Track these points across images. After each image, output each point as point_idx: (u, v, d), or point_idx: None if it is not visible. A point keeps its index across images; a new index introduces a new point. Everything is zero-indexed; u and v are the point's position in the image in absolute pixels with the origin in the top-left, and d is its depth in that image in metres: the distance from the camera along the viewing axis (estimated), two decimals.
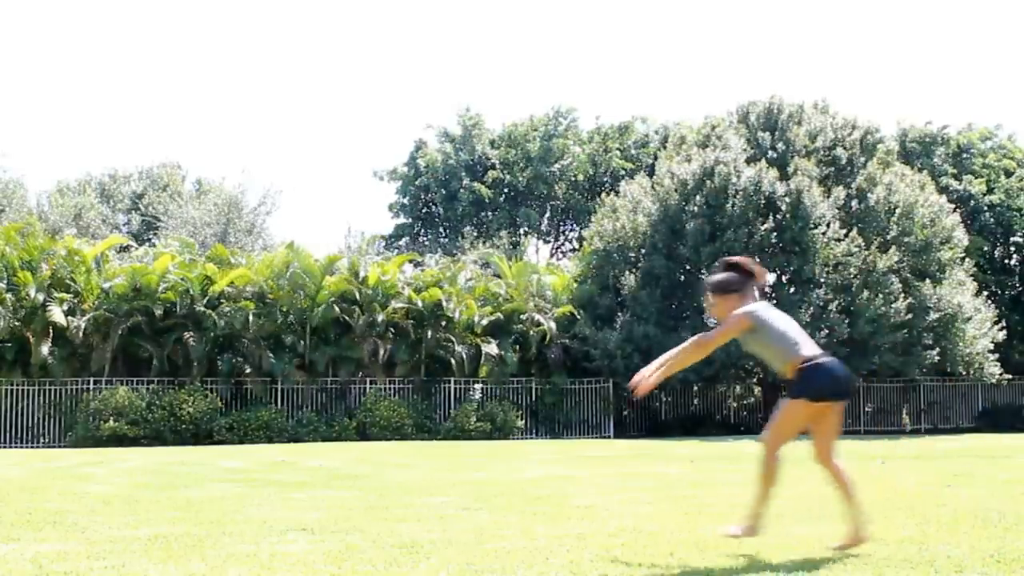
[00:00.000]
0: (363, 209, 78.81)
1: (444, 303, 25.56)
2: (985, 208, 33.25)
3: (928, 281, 25.69)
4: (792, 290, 25.32)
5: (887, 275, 24.98)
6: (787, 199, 25.16)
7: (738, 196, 25.18)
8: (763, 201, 25.23)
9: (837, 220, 25.59)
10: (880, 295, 24.58)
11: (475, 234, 41.55)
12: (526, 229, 44.36)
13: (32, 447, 22.33)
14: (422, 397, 25.49)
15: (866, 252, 25.13)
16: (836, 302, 24.68)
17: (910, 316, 24.84)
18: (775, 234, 25.03)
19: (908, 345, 25.19)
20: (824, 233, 25.08)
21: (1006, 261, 34.28)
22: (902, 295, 24.92)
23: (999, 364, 27.44)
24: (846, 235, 25.30)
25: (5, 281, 24.00)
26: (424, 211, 46.78)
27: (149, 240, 38.67)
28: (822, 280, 25.04)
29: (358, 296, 25.42)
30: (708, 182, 25.72)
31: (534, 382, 26.63)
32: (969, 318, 26.24)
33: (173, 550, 6.64)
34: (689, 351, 6.63)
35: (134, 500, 9.86)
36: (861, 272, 25.00)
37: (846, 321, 24.40)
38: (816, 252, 25.06)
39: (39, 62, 78.39)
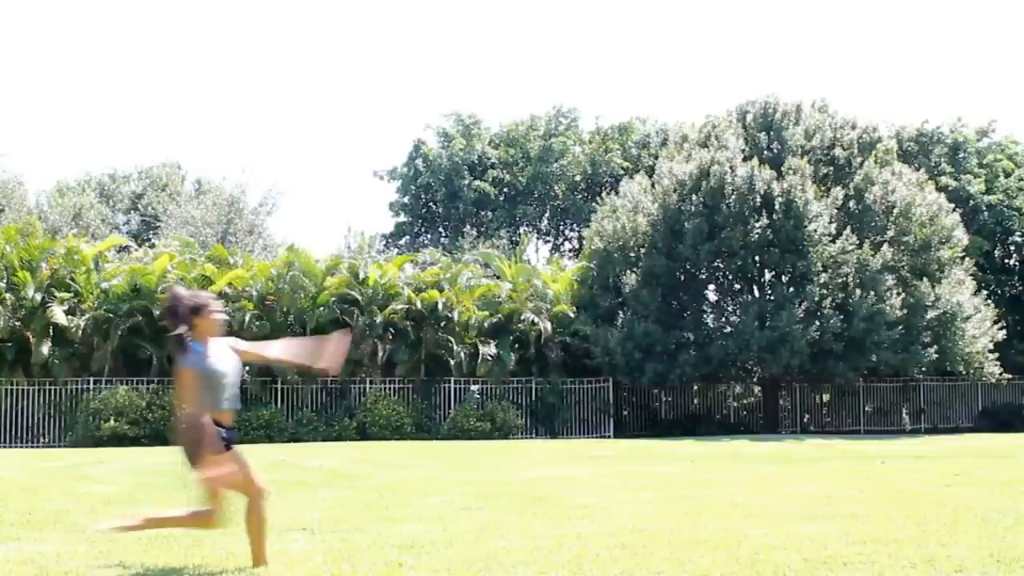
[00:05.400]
0: (363, 209, 78.83)
1: (443, 304, 25.58)
2: (984, 208, 33.26)
3: (926, 280, 25.71)
4: (791, 289, 25.31)
5: (881, 273, 25.05)
6: (781, 198, 25.25)
7: (734, 195, 25.32)
8: (759, 200, 25.33)
9: (832, 219, 25.63)
10: (873, 292, 24.64)
11: (475, 234, 41.52)
12: (525, 228, 44.38)
13: (32, 447, 22.31)
14: (422, 397, 25.49)
15: (859, 251, 25.19)
16: (830, 299, 24.77)
17: (905, 313, 24.90)
18: (771, 232, 25.10)
19: (906, 343, 25.19)
20: (816, 231, 25.13)
21: (1005, 261, 34.25)
22: (896, 293, 24.98)
23: (999, 364, 27.46)
24: (839, 233, 25.37)
25: (5, 281, 23.96)
26: (424, 210, 46.78)
27: (148, 240, 38.62)
28: (815, 278, 25.05)
29: (358, 297, 25.43)
30: (705, 182, 25.85)
31: (534, 382, 26.63)
32: (968, 317, 26.25)
33: (173, 550, 6.65)
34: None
35: (134, 500, 9.88)
36: (857, 270, 25.07)
37: (841, 318, 24.50)
38: (811, 250, 25.13)
39: (39, 62, 78.46)
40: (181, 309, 5.69)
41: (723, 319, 27.29)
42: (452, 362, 25.36)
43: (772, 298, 25.70)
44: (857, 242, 25.39)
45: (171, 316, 5.74)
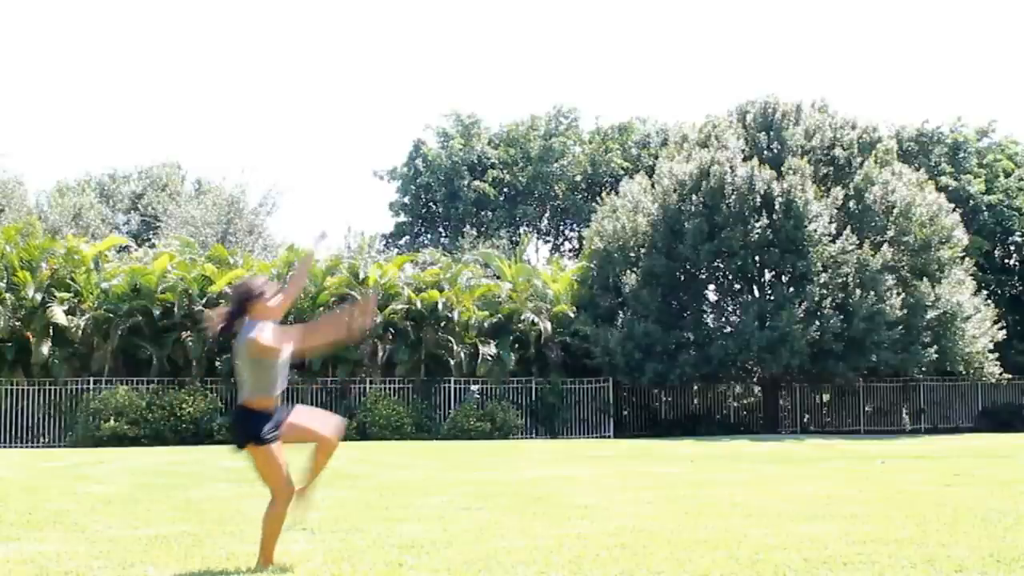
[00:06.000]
0: (363, 209, 78.79)
1: (443, 304, 25.58)
2: (984, 208, 33.26)
3: (926, 280, 25.73)
4: (791, 289, 25.32)
5: (881, 273, 25.08)
6: (781, 198, 25.28)
7: (734, 195, 25.36)
8: (759, 200, 25.35)
9: (832, 219, 25.64)
10: (873, 292, 24.66)
11: (475, 234, 41.50)
12: (525, 228, 44.37)
13: (32, 447, 22.32)
14: (422, 397, 25.48)
15: (859, 251, 25.21)
16: (830, 299, 24.79)
17: (905, 313, 24.92)
18: (771, 232, 25.11)
19: (907, 343, 25.21)
20: (816, 231, 25.16)
21: (1005, 261, 34.25)
22: (896, 293, 25.00)
23: (999, 364, 27.45)
24: (839, 233, 25.39)
25: (5, 281, 23.97)
26: (424, 210, 46.77)
27: (148, 240, 38.62)
28: (815, 278, 25.05)
29: (358, 297, 25.42)
30: (705, 182, 25.89)
31: (534, 382, 26.63)
32: (968, 317, 26.25)
33: (173, 550, 6.65)
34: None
35: (134, 500, 9.87)
36: (857, 270, 25.09)
37: (841, 318, 24.52)
38: (811, 250, 25.15)
39: (39, 62, 78.45)
40: (241, 299, 5.84)
41: (723, 319, 27.30)
42: (452, 362, 25.35)
43: (772, 298, 25.71)
44: (857, 242, 25.41)
45: (236, 305, 5.90)
